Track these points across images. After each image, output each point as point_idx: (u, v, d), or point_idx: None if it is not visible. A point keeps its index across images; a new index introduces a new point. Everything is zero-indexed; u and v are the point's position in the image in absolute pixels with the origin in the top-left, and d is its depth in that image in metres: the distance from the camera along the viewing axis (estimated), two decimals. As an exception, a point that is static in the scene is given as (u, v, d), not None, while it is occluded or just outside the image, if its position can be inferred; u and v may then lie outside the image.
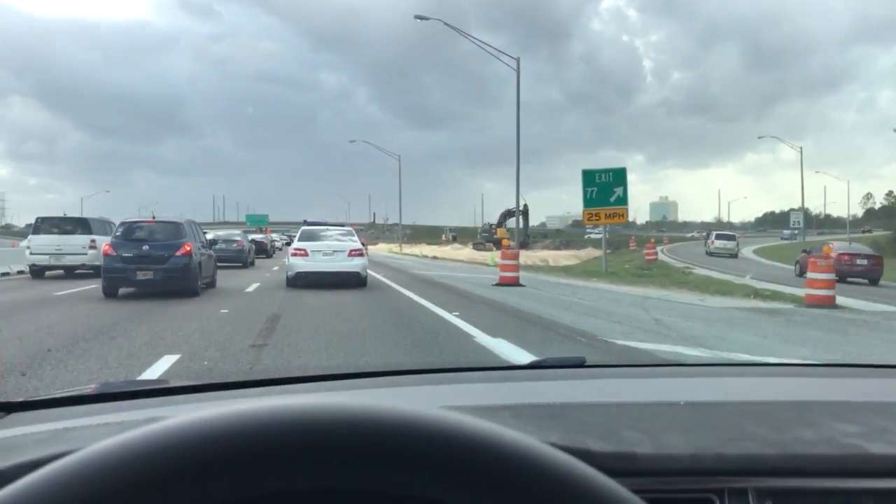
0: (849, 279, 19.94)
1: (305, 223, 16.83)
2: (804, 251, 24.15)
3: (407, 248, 53.82)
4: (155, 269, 11.82)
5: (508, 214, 56.92)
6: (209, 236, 17.10)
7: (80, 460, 0.35)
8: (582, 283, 16.71)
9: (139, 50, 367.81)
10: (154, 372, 5.50)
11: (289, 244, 20.01)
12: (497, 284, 14.76)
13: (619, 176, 20.47)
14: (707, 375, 1.50)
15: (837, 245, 23.77)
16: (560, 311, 10.25)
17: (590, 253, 45.67)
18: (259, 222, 79.09)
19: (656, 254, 32.26)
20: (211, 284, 13.73)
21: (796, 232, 55.54)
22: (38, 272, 17.43)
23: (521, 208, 54.40)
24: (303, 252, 13.96)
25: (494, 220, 64.24)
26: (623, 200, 20.22)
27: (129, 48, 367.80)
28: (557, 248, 56.97)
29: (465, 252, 46.06)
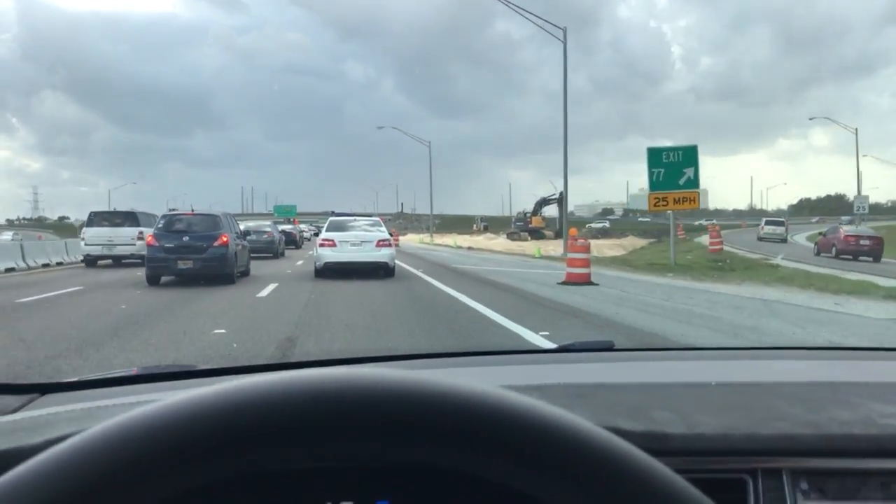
0: (859, 258, 25.59)
1: (333, 214, 16.57)
2: (821, 234, 30.59)
3: (438, 239, 50.72)
4: (195, 258, 12.50)
5: (544, 202, 54.12)
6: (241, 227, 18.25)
7: (122, 421, 0.33)
8: (661, 281, 14.29)
9: (167, 43, 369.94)
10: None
11: (317, 235, 20.41)
12: (564, 283, 12.57)
13: (690, 155, 17.93)
14: (739, 359, 1.48)
15: (845, 228, 29.44)
16: (679, 324, 7.88)
17: (633, 242, 42.06)
18: (287, 213, 78.56)
19: (721, 242, 26.70)
20: (245, 273, 14.47)
21: (853, 218, 51.12)
22: (91, 261, 19.21)
23: (558, 195, 47.89)
24: (331, 242, 14.11)
25: (524, 208, 60.04)
26: (694, 183, 17.77)
27: (156, 41, 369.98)
28: (595, 236, 51.80)
29: (500, 242, 42.69)
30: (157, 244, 12.57)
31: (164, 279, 12.79)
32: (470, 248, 35.19)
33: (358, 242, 14.09)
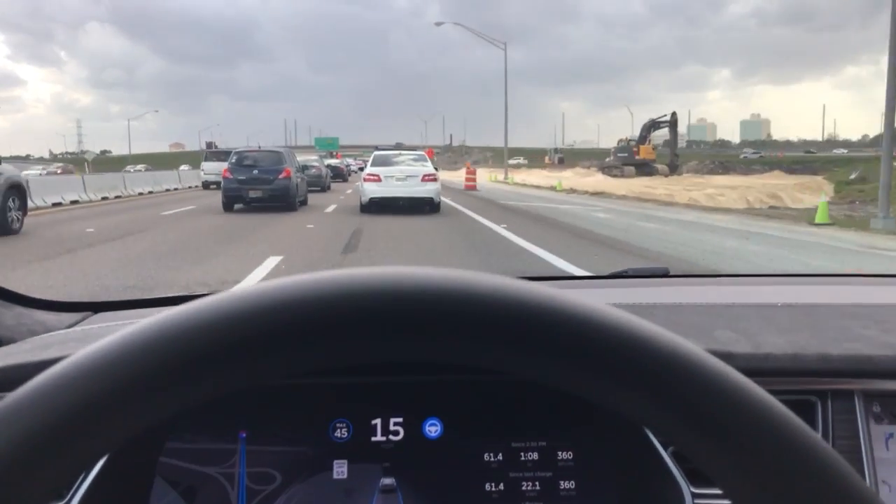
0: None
1: (377, 148, 17.02)
2: None
3: (515, 175, 39.08)
4: (263, 188, 15.04)
5: (654, 126, 42.63)
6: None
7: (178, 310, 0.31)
8: None
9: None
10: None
11: (362, 170, 20.20)
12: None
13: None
14: (806, 284, 1.43)
15: None
16: None
17: (779, 179, 32.32)
18: (328, 146, 74.90)
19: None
20: (304, 203, 16.73)
21: None
22: (206, 185, 26.75)
23: (670, 117, 40.07)
24: (376, 177, 14.25)
25: (628, 135, 47.34)
26: None
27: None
28: (712, 171, 43.31)
29: (598, 180, 32.47)
30: (231, 176, 15.10)
31: (236, 206, 15.21)
32: (587, 193, 24.34)
33: (403, 177, 14.22)
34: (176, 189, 27.92)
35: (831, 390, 0.75)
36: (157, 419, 0.31)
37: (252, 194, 15.04)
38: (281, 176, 15.14)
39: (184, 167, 40.05)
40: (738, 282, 1.46)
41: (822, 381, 0.76)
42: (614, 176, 37.87)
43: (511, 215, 14.14)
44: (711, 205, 17.56)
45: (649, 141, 42.80)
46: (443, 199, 15.18)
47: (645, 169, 39.73)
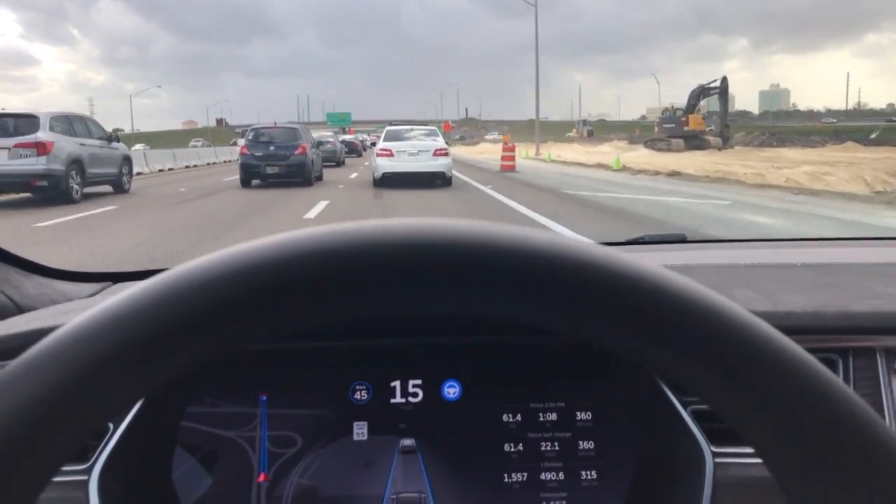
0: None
1: (390, 124, 17.46)
2: None
3: (550, 151, 33.23)
4: (280, 164, 15.45)
5: (703, 93, 36.77)
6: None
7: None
8: None
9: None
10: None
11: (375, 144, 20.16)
12: None
13: None
14: (826, 247, 1.42)
15: None
16: None
17: (858, 152, 26.62)
18: (340, 122, 73.27)
19: None
20: (319, 178, 17.21)
21: None
22: None
23: (720, 83, 34.01)
24: (388, 152, 14.59)
25: (672, 102, 42.12)
26: None
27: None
28: (764, 144, 37.94)
29: (641, 155, 28.84)
30: (248, 153, 15.51)
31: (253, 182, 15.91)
32: (657, 174, 17.80)
33: (415, 152, 14.54)
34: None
35: (853, 348, 0.75)
36: (157, 382, 0.30)
37: (269, 170, 15.54)
38: (297, 152, 15.61)
39: (195, 142, 42.18)
40: (755, 246, 1.46)
41: (844, 338, 0.75)
42: (659, 150, 33.57)
43: (605, 218, 9.60)
44: (821, 187, 13.71)
45: (698, 110, 36.93)
46: (481, 186, 14.69)
47: (694, 142, 34.57)
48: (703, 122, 36.97)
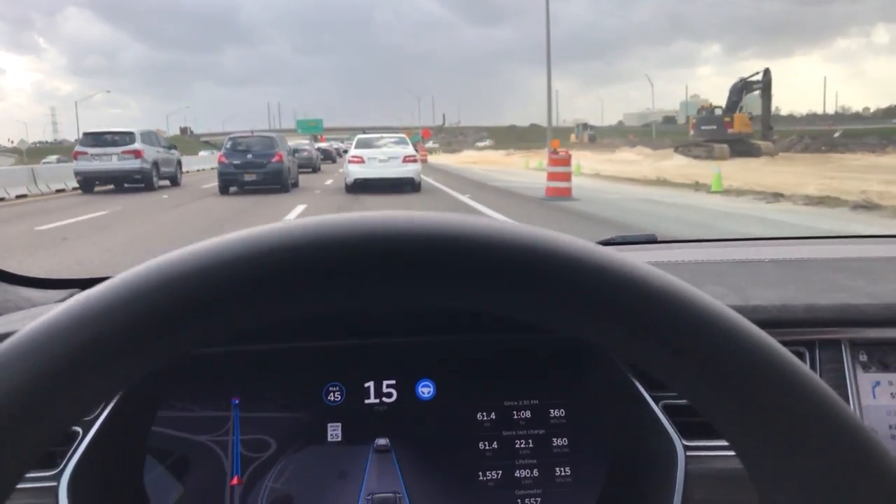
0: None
1: (363, 132, 17.91)
2: None
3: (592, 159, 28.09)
4: (257, 172, 16.19)
5: (745, 88, 31.03)
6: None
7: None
8: None
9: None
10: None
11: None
12: None
13: None
14: (794, 245, 1.41)
15: None
16: None
17: None
18: (311, 129, 69.51)
19: None
20: (295, 184, 17.92)
21: None
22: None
23: (762, 76, 29.70)
24: (359, 159, 15.38)
25: (709, 100, 36.01)
26: None
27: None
28: (808, 149, 33.25)
29: (677, 165, 24.07)
30: (226, 161, 16.31)
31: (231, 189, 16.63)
32: (771, 195, 12.44)
33: (385, 159, 15.33)
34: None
35: (819, 340, 0.77)
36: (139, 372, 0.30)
37: (247, 178, 16.28)
38: (273, 160, 16.42)
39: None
40: (724, 245, 1.48)
41: (810, 331, 0.77)
42: (696, 157, 27.90)
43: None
44: None
45: (741, 108, 30.64)
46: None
47: (740, 147, 28.63)
48: (749, 123, 30.40)
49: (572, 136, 60.22)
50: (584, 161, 24.61)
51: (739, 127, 29.93)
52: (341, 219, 0.31)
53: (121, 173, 17.21)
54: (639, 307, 0.31)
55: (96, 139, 17.35)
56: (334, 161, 39.53)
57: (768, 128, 31.37)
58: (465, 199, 13.22)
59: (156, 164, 17.90)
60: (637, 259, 0.31)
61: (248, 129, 20.03)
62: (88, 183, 17.47)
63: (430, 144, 57.43)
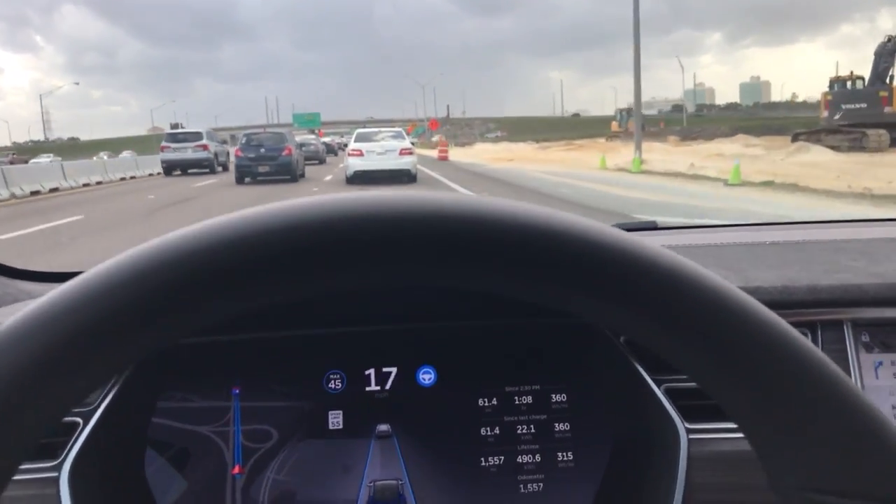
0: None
1: (363, 126, 18.12)
2: None
3: (651, 156, 19.23)
4: (270, 164, 18.15)
5: None
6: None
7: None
8: None
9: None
10: None
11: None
12: None
13: None
14: (796, 228, 1.44)
15: None
16: None
17: None
18: (308, 123, 65.77)
19: None
20: (303, 175, 19.88)
21: None
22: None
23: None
24: (358, 152, 16.28)
25: (839, 72, 23.84)
26: None
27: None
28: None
29: (827, 160, 16.81)
30: (242, 155, 18.33)
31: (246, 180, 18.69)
32: None
33: (383, 152, 16.12)
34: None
35: (821, 321, 0.76)
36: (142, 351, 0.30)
37: (261, 169, 18.07)
38: (284, 153, 18.21)
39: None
40: (725, 230, 1.47)
41: (812, 312, 0.77)
42: (833, 147, 19.84)
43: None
44: None
45: (891, 77, 22.17)
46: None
47: None
48: None
49: (613, 125, 50.94)
50: (654, 155, 19.61)
51: None
52: (382, 196, 0.31)
53: (194, 161, 23.60)
54: (656, 290, 0.31)
55: (174, 137, 24.32)
56: (336, 154, 41.25)
57: None
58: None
59: (216, 154, 24.25)
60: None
61: (260, 126, 21.26)
62: (170, 168, 23.75)
63: (434, 138, 53.96)
